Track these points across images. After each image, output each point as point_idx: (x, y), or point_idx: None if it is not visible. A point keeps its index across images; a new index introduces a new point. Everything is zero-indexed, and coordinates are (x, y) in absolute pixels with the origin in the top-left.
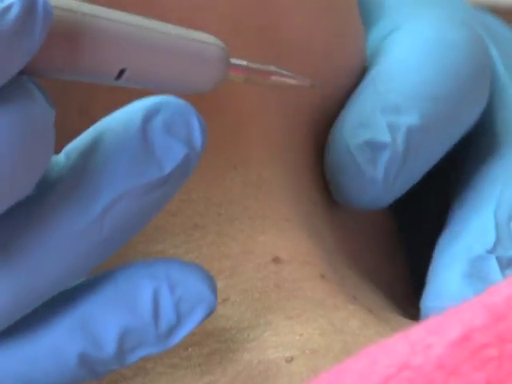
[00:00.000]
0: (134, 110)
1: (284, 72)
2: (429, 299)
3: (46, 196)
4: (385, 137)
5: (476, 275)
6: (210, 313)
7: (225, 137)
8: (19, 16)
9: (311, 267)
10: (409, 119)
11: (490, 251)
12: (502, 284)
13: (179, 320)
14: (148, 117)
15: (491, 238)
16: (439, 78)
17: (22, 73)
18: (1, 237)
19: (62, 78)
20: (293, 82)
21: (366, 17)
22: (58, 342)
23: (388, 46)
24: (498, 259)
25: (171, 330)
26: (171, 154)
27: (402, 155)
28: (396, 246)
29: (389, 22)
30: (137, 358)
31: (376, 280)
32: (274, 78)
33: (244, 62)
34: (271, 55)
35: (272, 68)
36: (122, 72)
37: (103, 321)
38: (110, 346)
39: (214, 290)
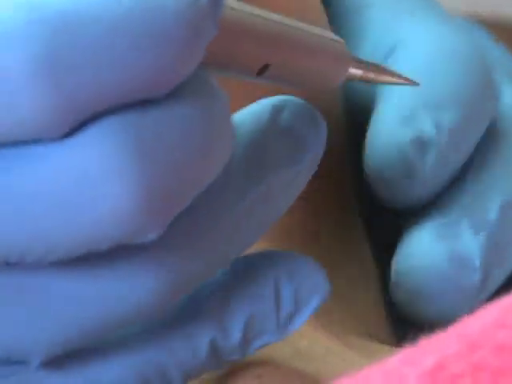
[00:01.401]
0: (261, 106)
1: (394, 71)
2: (400, 260)
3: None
4: (431, 134)
5: (448, 235)
6: (324, 301)
7: None
8: (209, 1)
9: None
10: (451, 117)
11: (463, 215)
12: (476, 314)
13: (297, 308)
14: (278, 111)
15: (466, 205)
16: (464, 83)
17: None
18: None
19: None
20: (400, 80)
21: (347, 29)
22: (192, 328)
23: (403, 59)
24: (470, 221)
25: (290, 318)
26: (304, 143)
27: (446, 152)
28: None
29: (383, 37)
30: (257, 346)
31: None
32: (385, 76)
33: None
34: None
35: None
36: (264, 68)
37: (231, 308)
38: (236, 334)
39: (326, 279)
